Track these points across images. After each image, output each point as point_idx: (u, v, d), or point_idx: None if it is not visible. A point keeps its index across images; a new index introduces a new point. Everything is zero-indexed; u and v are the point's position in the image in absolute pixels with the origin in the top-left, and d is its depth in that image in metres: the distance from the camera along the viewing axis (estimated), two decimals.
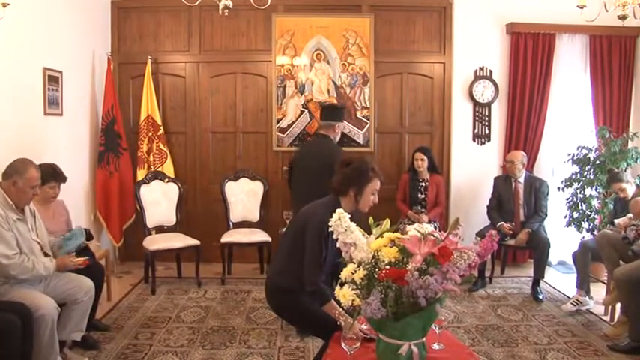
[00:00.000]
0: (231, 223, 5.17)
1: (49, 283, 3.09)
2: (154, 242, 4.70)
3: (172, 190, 5.10)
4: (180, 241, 4.79)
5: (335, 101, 5.33)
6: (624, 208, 4.15)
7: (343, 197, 2.59)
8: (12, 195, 2.93)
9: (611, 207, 4.61)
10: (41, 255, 3.04)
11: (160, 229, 4.99)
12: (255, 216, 5.25)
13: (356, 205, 2.58)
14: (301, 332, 3.60)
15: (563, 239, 5.34)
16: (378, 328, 1.95)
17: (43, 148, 4.04)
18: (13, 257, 2.82)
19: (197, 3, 4.06)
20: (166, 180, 5.11)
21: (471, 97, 5.42)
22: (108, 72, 5.11)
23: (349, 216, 2.12)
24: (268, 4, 4.01)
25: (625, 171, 4.54)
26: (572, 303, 4.17)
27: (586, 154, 5.01)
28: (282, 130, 5.42)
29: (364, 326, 2.31)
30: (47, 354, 2.82)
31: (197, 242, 4.77)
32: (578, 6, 3.53)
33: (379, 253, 1.94)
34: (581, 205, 5.03)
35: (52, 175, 3.50)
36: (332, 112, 4.27)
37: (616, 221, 4.14)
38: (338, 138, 4.27)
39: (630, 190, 4.23)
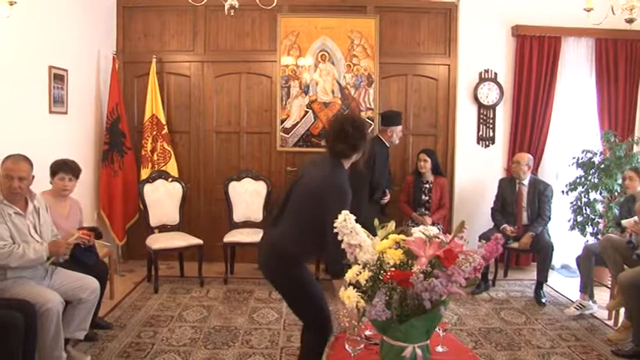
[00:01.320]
0: (234, 223, 5.16)
1: (54, 282, 3.10)
2: (156, 241, 4.70)
3: (176, 190, 5.09)
4: (183, 240, 4.79)
5: (339, 102, 5.36)
6: (630, 211, 4.13)
7: (347, 159, 2.58)
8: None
9: (616, 211, 4.58)
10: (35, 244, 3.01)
11: (163, 228, 4.99)
12: (258, 216, 5.23)
13: (358, 157, 2.63)
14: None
15: (566, 243, 5.31)
16: (382, 331, 1.95)
17: (48, 146, 4.05)
18: (3, 248, 2.82)
19: (203, 3, 4.07)
20: (170, 179, 5.10)
21: (476, 99, 5.41)
22: (113, 71, 5.12)
23: (353, 218, 2.12)
24: (274, 5, 4.02)
25: None
26: (575, 307, 4.15)
27: (591, 158, 5.00)
28: (287, 131, 5.42)
29: (369, 332, 2.30)
30: (52, 349, 2.83)
31: (200, 242, 4.78)
32: (585, 9, 3.52)
33: (384, 255, 1.94)
34: (586, 209, 5.01)
35: (61, 166, 3.56)
36: (385, 118, 4.84)
37: (623, 222, 4.12)
38: (395, 139, 4.78)
39: (638, 186, 4.20)
